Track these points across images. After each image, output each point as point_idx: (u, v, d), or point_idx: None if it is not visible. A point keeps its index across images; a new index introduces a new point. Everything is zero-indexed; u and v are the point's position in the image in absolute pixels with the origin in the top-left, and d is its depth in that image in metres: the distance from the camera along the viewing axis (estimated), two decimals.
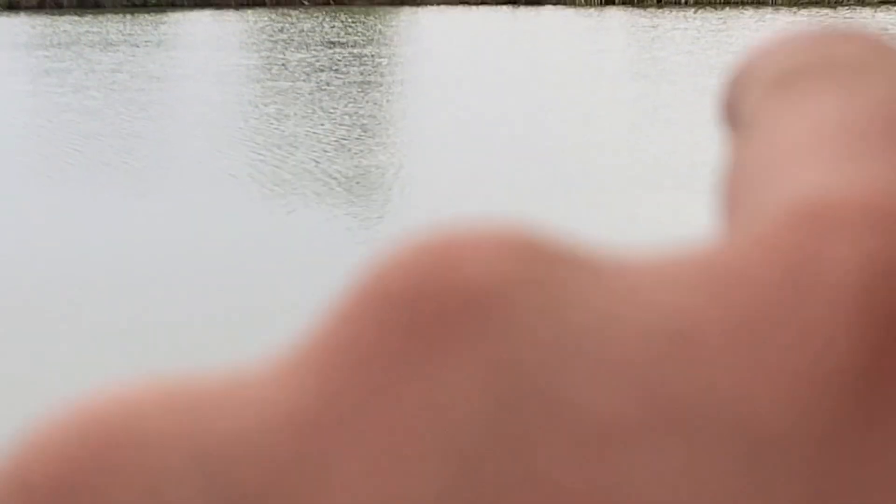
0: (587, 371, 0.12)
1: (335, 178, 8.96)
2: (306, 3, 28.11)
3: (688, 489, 0.11)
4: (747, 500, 0.11)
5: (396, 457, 0.11)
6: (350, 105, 12.82)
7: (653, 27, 23.50)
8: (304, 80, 14.87)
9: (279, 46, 19.36)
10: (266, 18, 24.93)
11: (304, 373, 0.12)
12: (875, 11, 26.31)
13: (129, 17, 24.96)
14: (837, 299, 0.12)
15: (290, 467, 0.11)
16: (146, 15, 25.54)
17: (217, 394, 0.12)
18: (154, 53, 18.27)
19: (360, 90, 14.07)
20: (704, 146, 10.23)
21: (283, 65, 16.63)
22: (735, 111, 0.17)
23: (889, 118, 0.14)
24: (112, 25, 22.90)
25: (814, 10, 27.09)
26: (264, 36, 21.34)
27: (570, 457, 0.11)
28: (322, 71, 15.89)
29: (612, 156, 9.90)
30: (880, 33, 0.17)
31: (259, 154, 9.95)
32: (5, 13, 25.35)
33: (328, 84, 14.54)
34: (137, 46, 19.17)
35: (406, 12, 27.12)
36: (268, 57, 17.76)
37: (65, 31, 21.91)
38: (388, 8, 27.96)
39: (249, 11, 26.40)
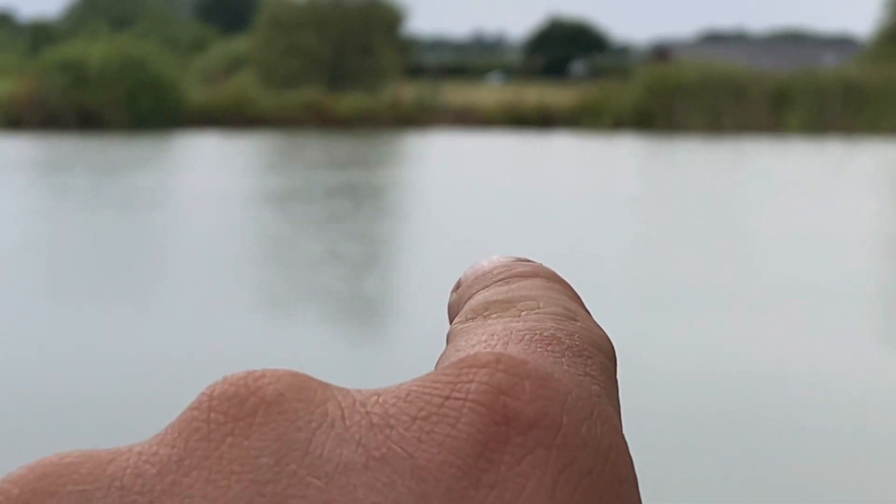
0: (328, 437, 0.21)
1: (342, 300, 8.75)
2: (312, 126, 28.06)
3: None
4: None
5: (217, 480, 0.20)
6: (356, 227, 12.64)
7: (662, 153, 23.37)
8: (311, 203, 14.68)
9: (286, 170, 19.21)
10: (272, 141, 24.84)
11: (172, 440, 0.21)
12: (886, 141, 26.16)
13: (134, 137, 24.87)
14: (465, 405, 0.21)
15: (164, 485, 0.20)
16: (151, 135, 25.45)
17: (119, 453, 0.21)
18: (168, 174, 18.11)
19: (367, 213, 13.89)
20: (703, 271, 9.99)
21: (289, 188, 16.45)
22: (452, 321, 0.28)
23: (526, 337, 0.24)
24: (120, 146, 22.80)
25: (827, 139, 26.95)
26: (272, 158, 21.21)
27: (314, 483, 0.20)
28: (329, 194, 15.71)
29: (615, 281, 9.65)
30: (552, 273, 0.29)
31: (268, 273, 9.76)
32: (9, 131, 25.26)
33: (336, 206, 14.35)
34: (152, 167, 19.03)
35: (413, 136, 27.03)
36: (274, 180, 17.58)
37: (76, 150, 21.82)
38: (395, 130, 27.90)
39: (255, 134, 26.33)
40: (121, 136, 25.04)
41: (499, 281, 0.28)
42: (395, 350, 7.64)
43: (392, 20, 34.86)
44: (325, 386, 0.22)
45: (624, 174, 19.50)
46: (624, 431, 0.23)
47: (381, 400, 0.22)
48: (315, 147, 23.46)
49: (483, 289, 0.28)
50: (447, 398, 0.22)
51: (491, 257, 0.29)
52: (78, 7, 42.96)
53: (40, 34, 37.22)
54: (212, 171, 18.55)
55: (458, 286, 0.29)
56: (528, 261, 0.29)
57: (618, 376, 0.25)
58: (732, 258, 11.14)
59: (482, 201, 15.42)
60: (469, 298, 0.28)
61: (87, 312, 8.36)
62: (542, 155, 23.79)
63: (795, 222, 13.48)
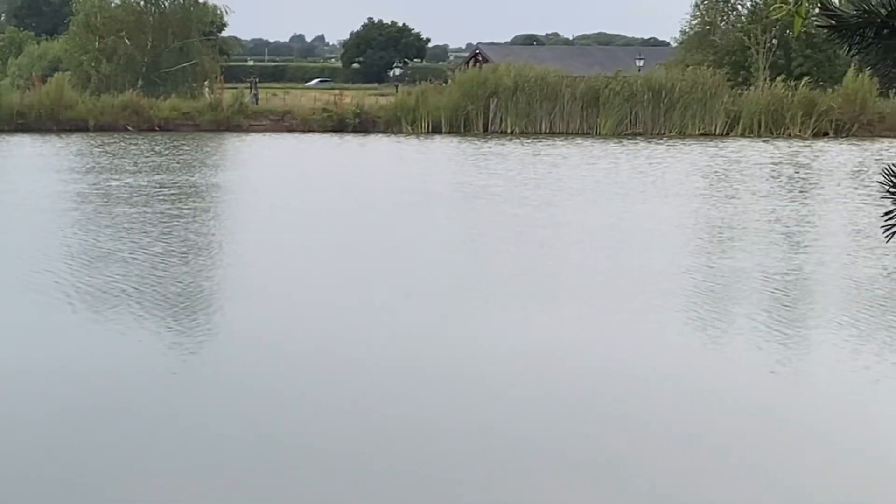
0: None
1: (158, 297, 8.91)
2: (130, 129, 28.01)
3: None
4: None
5: None
6: (172, 229, 12.81)
7: (477, 154, 23.93)
8: (127, 206, 14.82)
9: (104, 172, 19.25)
10: (89, 144, 24.74)
11: None
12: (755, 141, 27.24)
13: None
14: None
15: None
16: None
17: None
18: None
19: (182, 216, 14.06)
20: (515, 264, 10.49)
21: (106, 190, 16.55)
22: None
23: None
24: None
25: (637, 140, 27.92)
26: (89, 161, 21.18)
27: None
28: (146, 196, 15.86)
29: (432, 271, 10.07)
30: None
31: (82, 273, 9.84)
32: None
33: (152, 209, 14.50)
34: None
35: (233, 138, 27.17)
36: (92, 183, 17.63)
37: None
38: (215, 134, 28.00)
39: (72, 136, 26.19)
40: None
41: None
42: (209, 344, 7.95)
43: (211, 24, 34.93)
44: None
45: (438, 174, 20.02)
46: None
47: None
48: (134, 149, 23.46)
49: None
50: None
51: None
52: None
53: None
54: (26, 174, 18.51)
55: None
56: None
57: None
58: (541, 250, 11.68)
59: (302, 200, 15.77)
60: None
61: None
62: (361, 156, 24.21)
63: (601, 216, 14.13)
